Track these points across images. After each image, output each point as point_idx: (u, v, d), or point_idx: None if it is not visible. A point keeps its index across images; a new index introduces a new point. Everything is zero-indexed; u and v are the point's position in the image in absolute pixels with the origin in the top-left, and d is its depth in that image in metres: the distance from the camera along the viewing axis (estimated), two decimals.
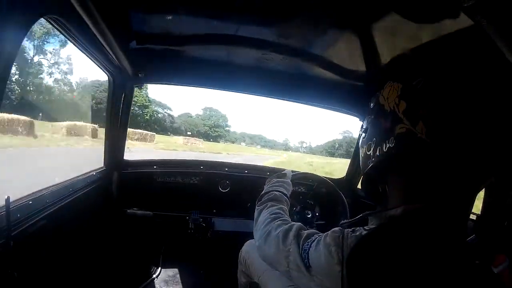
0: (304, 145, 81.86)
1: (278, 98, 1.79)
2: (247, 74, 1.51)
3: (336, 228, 0.62)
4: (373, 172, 0.66)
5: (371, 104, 0.70)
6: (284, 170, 1.14)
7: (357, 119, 1.74)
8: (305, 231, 0.70)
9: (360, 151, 0.72)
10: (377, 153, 0.62)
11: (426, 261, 0.49)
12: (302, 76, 1.47)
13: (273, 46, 1.19)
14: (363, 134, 0.71)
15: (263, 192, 0.98)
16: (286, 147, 77.77)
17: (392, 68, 1.09)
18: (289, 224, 0.74)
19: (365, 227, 0.61)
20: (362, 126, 0.77)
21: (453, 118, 0.54)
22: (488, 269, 0.50)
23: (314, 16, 0.91)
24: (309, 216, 1.63)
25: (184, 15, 1.04)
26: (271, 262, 0.73)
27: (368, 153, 0.65)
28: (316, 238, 0.65)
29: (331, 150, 70.20)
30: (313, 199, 1.75)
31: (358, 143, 1.75)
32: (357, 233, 0.58)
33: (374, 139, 0.64)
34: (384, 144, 0.60)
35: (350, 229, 0.60)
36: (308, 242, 0.65)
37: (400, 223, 0.56)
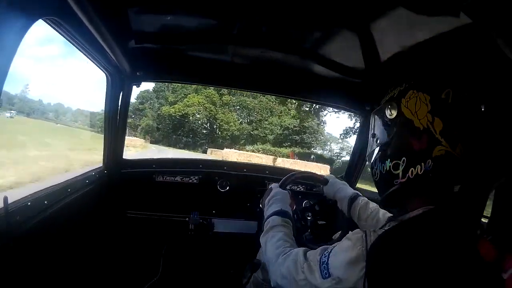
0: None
1: (277, 95, 1.79)
2: (246, 71, 1.51)
3: (357, 229, 0.62)
4: (399, 189, 0.62)
5: (389, 113, 0.64)
6: (270, 185, 1.15)
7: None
8: (312, 251, 0.69)
9: (378, 165, 0.67)
10: (410, 174, 0.58)
11: (441, 256, 0.50)
12: (301, 73, 1.47)
13: (271, 44, 1.18)
14: (378, 146, 0.67)
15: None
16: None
17: (391, 65, 1.09)
18: (293, 254, 0.73)
19: (385, 227, 0.62)
20: (371, 131, 0.72)
21: (483, 133, 0.54)
22: (497, 273, 0.49)
23: (313, 14, 0.91)
24: (309, 218, 1.62)
25: (182, 14, 1.03)
26: None
27: (395, 172, 0.61)
28: (332, 248, 0.64)
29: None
30: (313, 199, 1.75)
31: (356, 143, 1.76)
32: (379, 232, 0.58)
33: (404, 159, 0.59)
34: (419, 167, 0.57)
35: (371, 229, 0.60)
36: (325, 254, 0.64)
37: (418, 221, 0.57)
